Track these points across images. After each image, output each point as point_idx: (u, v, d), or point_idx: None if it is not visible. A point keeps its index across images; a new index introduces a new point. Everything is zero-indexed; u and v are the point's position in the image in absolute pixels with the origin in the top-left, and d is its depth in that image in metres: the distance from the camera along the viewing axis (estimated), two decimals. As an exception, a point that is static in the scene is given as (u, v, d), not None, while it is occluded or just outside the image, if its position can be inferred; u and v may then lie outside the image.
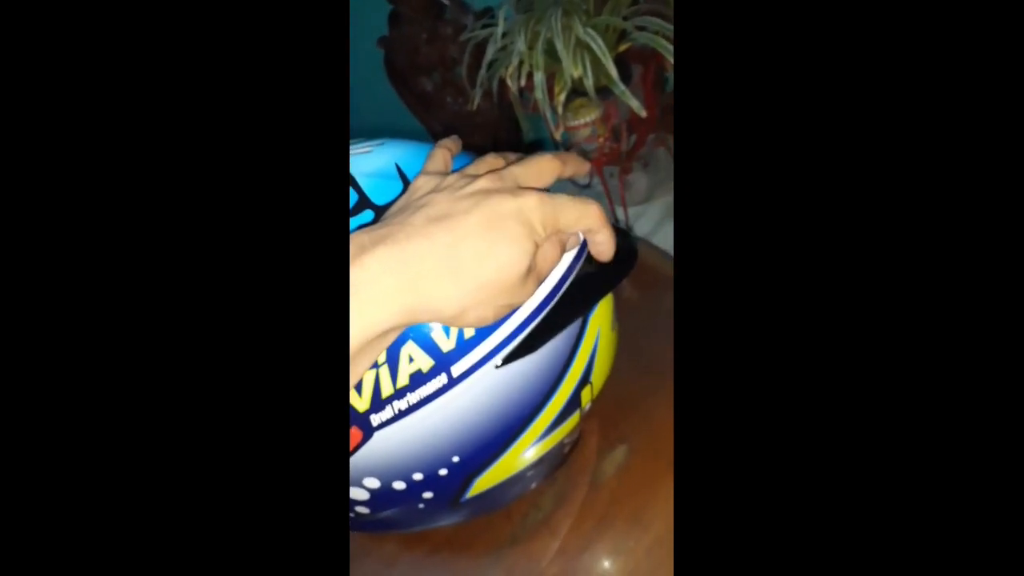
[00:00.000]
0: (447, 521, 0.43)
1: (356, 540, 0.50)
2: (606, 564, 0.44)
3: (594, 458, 0.49)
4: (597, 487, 0.47)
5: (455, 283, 0.29)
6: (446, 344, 0.33)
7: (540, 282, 0.33)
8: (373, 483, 0.37)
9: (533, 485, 0.45)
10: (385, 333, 0.29)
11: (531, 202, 0.31)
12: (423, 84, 1.06)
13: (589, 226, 0.33)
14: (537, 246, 0.31)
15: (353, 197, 0.35)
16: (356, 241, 0.29)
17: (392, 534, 0.48)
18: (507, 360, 0.34)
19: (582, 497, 0.47)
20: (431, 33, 0.99)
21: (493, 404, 0.35)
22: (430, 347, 0.33)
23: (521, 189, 0.32)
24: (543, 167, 0.35)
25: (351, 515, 0.41)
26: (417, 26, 0.99)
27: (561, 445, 0.42)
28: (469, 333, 0.33)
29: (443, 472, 0.36)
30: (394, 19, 1.00)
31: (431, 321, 0.30)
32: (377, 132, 0.43)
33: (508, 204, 0.30)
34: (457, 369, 0.33)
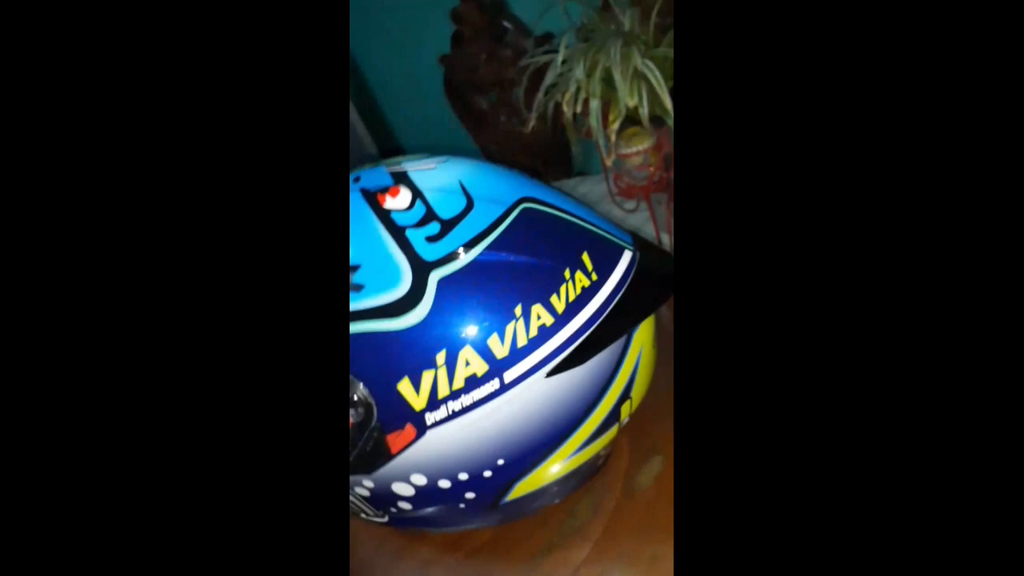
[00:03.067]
0: (483, 523, 0.45)
1: (394, 542, 0.51)
2: (640, 571, 0.45)
3: (627, 469, 0.51)
4: (631, 496, 0.49)
5: None
6: (500, 351, 0.35)
7: None
8: (420, 480, 0.39)
9: (567, 494, 0.46)
10: None
11: None
12: (479, 102, 1.09)
13: None
14: None
15: (421, 210, 0.38)
16: None
17: (428, 533, 0.49)
18: (556, 370, 0.36)
19: (615, 506, 0.49)
20: (490, 54, 1.02)
21: (540, 411, 0.37)
22: (486, 353, 0.35)
23: None
24: None
25: (392, 510, 0.43)
26: (477, 46, 1.02)
27: (596, 457, 0.44)
28: (522, 343, 0.35)
29: (487, 474, 0.38)
30: (457, 39, 1.03)
31: None
32: (432, 146, 0.45)
33: None
34: (509, 375, 0.35)
